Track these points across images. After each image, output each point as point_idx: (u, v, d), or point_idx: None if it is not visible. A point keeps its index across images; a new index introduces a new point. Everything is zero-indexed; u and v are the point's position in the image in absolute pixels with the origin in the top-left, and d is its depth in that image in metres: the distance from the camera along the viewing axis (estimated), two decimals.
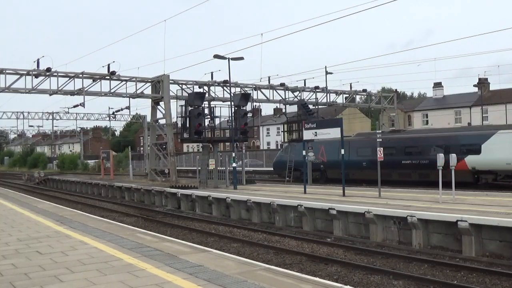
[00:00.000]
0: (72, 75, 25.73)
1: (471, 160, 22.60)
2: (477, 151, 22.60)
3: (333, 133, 18.29)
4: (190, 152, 70.61)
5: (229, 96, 27.08)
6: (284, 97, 32.62)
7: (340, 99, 36.67)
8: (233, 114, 24.50)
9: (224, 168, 25.83)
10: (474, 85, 52.07)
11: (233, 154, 23.97)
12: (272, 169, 35.86)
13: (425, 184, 22.27)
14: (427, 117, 59.53)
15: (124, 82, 27.16)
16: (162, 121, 29.00)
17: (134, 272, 6.83)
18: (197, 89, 28.24)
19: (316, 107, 30.97)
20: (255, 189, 22.82)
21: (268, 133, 77.24)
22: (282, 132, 33.50)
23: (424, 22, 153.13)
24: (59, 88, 25.70)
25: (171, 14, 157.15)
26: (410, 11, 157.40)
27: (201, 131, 24.00)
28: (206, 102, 26.67)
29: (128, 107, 32.72)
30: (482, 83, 53.48)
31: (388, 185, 21.23)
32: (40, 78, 25.19)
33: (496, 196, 16.02)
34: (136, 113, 68.99)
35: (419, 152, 24.91)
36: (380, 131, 18.10)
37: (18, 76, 24.62)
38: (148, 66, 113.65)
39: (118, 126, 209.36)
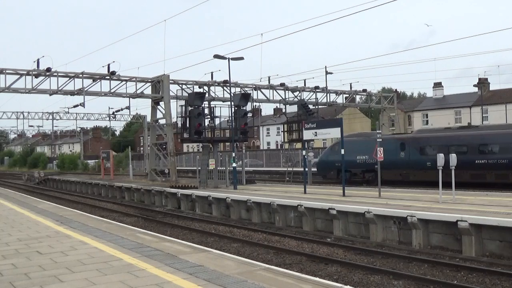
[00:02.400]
0: (72, 75, 25.73)
1: None
2: None
3: (333, 133, 18.27)
4: (190, 152, 70.61)
5: (229, 96, 27.08)
6: (284, 97, 32.61)
7: (340, 99, 36.69)
8: (233, 114, 24.50)
9: (224, 168, 25.83)
10: (474, 85, 52.12)
11: (233, 154, 23.97)
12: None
13: (502, 187, 20.51)
14: (427, 117, 59.53)
15: (124, 82, 27.16)
16: (162, 121, 29.00)
17: (134, 272, 6.84)
18: (197, 89, 28.23)
19: (316, 107, 30.94)
20: (255, 189, 22.82)
21: (268, 133, 77.24)
22: (282, 132, 33.38)
23: (428, 22, 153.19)
24: (59, 88, 25.69)
25: (171, 14, 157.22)
26: (413, 12, 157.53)
27: (201, 131, 24.00)
28: (206, 102, 26.66)
29: (128, 107, 32.67)
30: (482, 83, 53.51)
31: (461, 188, 18.96)
32: (40, 78, 25.19)
33: (496, 196, 16.02)
34: (136, 113, 69.03)
35: (497, 150, 22.36)
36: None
37: (18, 76, 24.61)
38: (148, 66, 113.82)
39: (118, 126, 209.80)
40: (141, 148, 79.39)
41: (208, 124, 24.90)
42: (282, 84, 32.62)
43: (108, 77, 26.38)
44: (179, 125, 25.20)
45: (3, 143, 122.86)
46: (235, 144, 25.11)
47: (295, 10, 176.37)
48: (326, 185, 26.03)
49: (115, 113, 53.01)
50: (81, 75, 25.82)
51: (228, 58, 23.45)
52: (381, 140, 17.09)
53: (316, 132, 18.97)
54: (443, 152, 17.56)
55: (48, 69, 24.87)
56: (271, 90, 32.33)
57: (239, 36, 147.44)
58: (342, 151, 18.61)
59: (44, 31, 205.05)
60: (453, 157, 14.67)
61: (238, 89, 29.73)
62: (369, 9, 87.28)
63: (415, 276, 9.49)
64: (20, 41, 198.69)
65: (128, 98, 28.80)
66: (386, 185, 21.87)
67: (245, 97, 25.71)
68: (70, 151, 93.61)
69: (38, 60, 24.71)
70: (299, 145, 31.38)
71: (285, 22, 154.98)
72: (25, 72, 24.65)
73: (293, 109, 31.79)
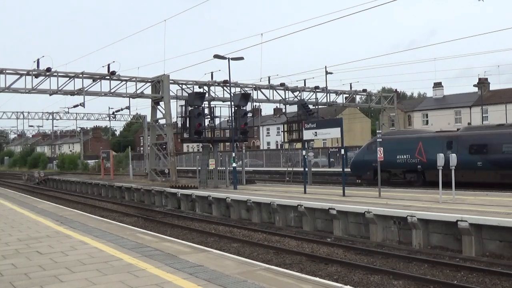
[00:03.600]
0: (72, 75, 25.73)
1: None
2: None
3: (333, 133, 18.28)
4: (190, 152, 70.62)
5: (229, 96, 27.08)
6: (284, 97, 32.61)
7: (340, 99, 36.69)
8: (233, 114, 24.50)
9: (224, 168, 25.83)
10: (474, 85, 52.13)
11: (233, 154, 23.97)
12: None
13: None
14: (427, 117, 59.55)
15: (124, 82, 27.15)
16: (162, 121, 28.99)
17: (134, 272, 6.84)
18: (197, 89, 28.22)
19: (316, 107, 30.93)
20: (255, 189, 22.82)
21: (268, 133, 77.26)
22: (282, 132, 33.34)
23: (429, 22, 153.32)
24: (59, 88, 25.69)
25: (171, 14, 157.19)
26: (414, 12, 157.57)
27: (201, 131, 24.00)
28: (206, 102, 26.66)
29: (128, 107, 32.64)
30: (482, 83, 53.52)
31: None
32: (40, 78, 25.18)
33: (496, 196, 16.01)
34: (136, 113, 69.12)
35: None
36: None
37: (18, 76, 24.61)
38: (148, 66, 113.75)
39: (118, 126, 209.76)
40: (141, 148, 79.39)
41: (208, 124, 24.89)
42: (282, 84, 32.62)
43: (108, 77, 26.38)
44: (179, 125, 25.19)
45: (3, 143, 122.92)
46: (235, 144, 25.11)
47: (295, 10, 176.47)
48: (326, 185, 26.04)
49: (115, 113, 53.03)
50: (81, 75, 25.82)
51: (228, 58, 23.45)
52: (381, 140, 17.07)
53: (316, 132, 18.97)
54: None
55: (48, 69, 24.86)
56: (271, 90, 32.33)
57: (239, 36, 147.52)
58: (342, 151, 18.57)
59: (44, 31, 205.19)
60: (453, 157, 14.65)
61: (238, 89, 29.73)
62: (369, 9, 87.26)
63: (415, 276, 9.49)
64: (20, 41, 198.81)
65: (128, 98, 28.81)
66: (429, 187, 20.63)
67: (245, 97, 25.71)
68: (70, 151, 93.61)
69: (38, 60, 24.71)
70: (299, 145, 31.34)
71: (285, 22, 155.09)
72: (25, 72, 24.65)
73: (293, 109, 31.79)
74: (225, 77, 27.23)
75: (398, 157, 24.36)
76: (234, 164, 23.90)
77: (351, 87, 36.95)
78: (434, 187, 19.16)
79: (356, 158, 27.65)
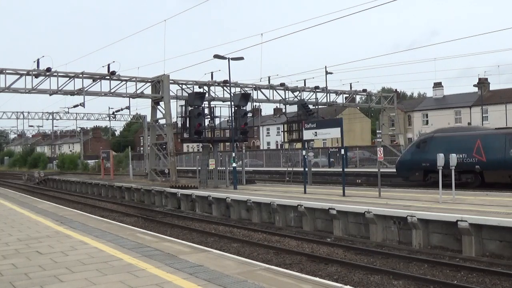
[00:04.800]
0: (72, 75, 25.71)
1: None
2: None
3: (333, 133, 18.27)
4: (190, 152, 70.62)
5: (229, 96, 27.06)
6: (284, 97, 32.59)
7: (340, 99, 36.64)
8: (233, 114, 24.50)
9: (224, 168, 25.82)
10: (474, 85, 52.17)
11: (233, 154, 23.97)
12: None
13: None
14: (427, 117, 59.57)
15: (124, 82, 27.13)
16: (162, 121, 28.97)
17: (134, 272, 6.84)
18: (197, 89, 28.20)
19: (316, 107, 30.93)
20: (255, 189, 22.82)
21: (268, 133, 77.26)
22: (282, 132, 33.32)
23: (430, 23, 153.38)
24: (59, 88, 25.67)
25: (171, 14, 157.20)
26: (415, 12, 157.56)
27: (201, 131, 23.99)
28: (206, 102, 26.65)
29: (128, 107, 32.61)
30: (482, 83, 53.56)
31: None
32: (40, 78, 25.16)
33: (496, 196, 16.01)
34: (136, 113, 69.05)
35: None
36: None
37: (18, 76, 24.59)
38: (148, 66, 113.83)
39: (118, 126, 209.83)
40: (141, 148, 79.37)
41: (208, 124, 24.89)
42: (282, 84, 32.60)
43: (108, 77, 26.35)
44: (179, 125, 25.19)
45: (3, 143, 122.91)
46: (235, 144, 25.11)
47: (295, 10, 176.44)
48: (326, 185, 26.01)
49: (115, 113, 53.00)
50: (81, 75, 25.80)
51: (228, 58, 23.44)
52: (381, 140, 17.00)
53: (316, 132, 18.96)
54: None
55: (48, 69, 24.85)
56: (271, 90, 32.31)
57: (239, 36, 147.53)
58: (342, 151, 18.56)
59: (44, 31, 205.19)
60: (453, 157, 14.64)
61: (238, 89, 29.70)
62: (369, 9, 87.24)
63: (415, 276, 9.49)
64: (20, 41, 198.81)
65: (128, 98, 28.78)
66: (490, 189, 19.44)
67: (245, 97, 25.70)
68: (70, 151, 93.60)
69: (38, 60, 24.68)
70: (299, 145, 31.34)
71: (285, 22, 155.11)
72: (25, 72, 24.63)
73: (293, 109, 31.78)
74: (225, 77, 27.24)
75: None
76: (234, 164, 23.90)
77: (351, 87, 36.93)
78: (494, 189, 18.31)
79: (403, 157, 25.51)
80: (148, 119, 32.73)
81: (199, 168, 25.70)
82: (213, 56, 23.11)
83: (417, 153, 23.70)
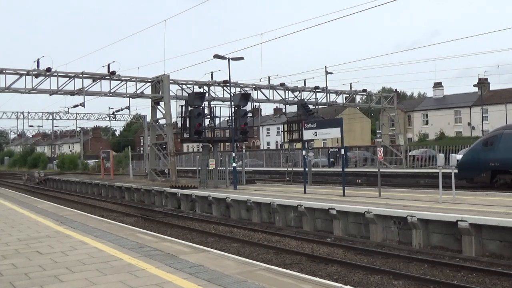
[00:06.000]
0: (72, 75, 25.71)
1: None
2: None
3: (333, 133, 18.27)
4: (190, 152, 70.62)
5: (229, 96, 27.06)
6: (284, 97, 32.58)
7: (340, 99, 36.62)
8: (233, 114, 24.50)
9: (224, 168, 25.82)
10: (474, 85, 52.17)
11: (233, 154, 23.97)
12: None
13: None
14: (427, 117, 59.59)
15: (124, 82, 27.12)
16: (162, 121, 28.97)
17: (134, 272, 6.84)
18: (197, 89, 28.19)
19: (316, 107, 30.93)
20: (255, 189, 22.82)
21: (268, 133, 77.27)
22: (282, 132, 33.31)
23: (431, 23, 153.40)
24: (59, 88, 25.67)
25: (171, 14, 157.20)
26: (416, 12, 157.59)
27: (201, 131, 23.99)
28: (206, 102, 26.65)
29: (128, 107, 32.61)
30: (482, 83, 53.56)
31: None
32: (40, 78, 25.15)
33: (496, 196, 16.01)
34: (136, 113, 69.10)
35: None
36: None
37: (18, 76, 24.59)
38: (148, 66, 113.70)
39: (118, 126, 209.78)
40: (141, 148, 79.36)
41: (208, 124, 24.89)
42: (282, 84, 32.59)
43: (108, 77, 26.35)
44: (179, 125, 25.19)
45: (3, 143, 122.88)
46: (235, 144, 25.10)
47: (295, 10, 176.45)
48: (326, 185, 26.02)
49: (115, 113, 53.06)
50: (81, 75, 25.80)
51: (228, 58, 23.44)
52: (381, 140, 17.00)
53: (316, 132, 18.96)
54: None
55: (48, 69, 24.84)
56: (271, 90, 32.30)
57: (239, 36, 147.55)
58: (342, 151, 18.55)
59: (44, 31, 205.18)
60: (452, 157, 14.64)
61: (238, 89, 29.70)
62: (370, 9, 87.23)
63: (415, 276, 9.49)
64: (20, 41, 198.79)
65: (128, 98, 28.77)
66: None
67: (245, 97, 25.70)
68: (70, 151, 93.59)
69: (38, 60, 24.67)
70: (299, 145, 31.33)
71: (285, 22, 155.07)
72: (25, 72, 24.63)
73: (293, 109, 31.77)
74: (225, 77, 27.24)
75: None
76: (234, 164, 23.89)
77: (351, 87, 36.92)
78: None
79: (466, 157, 22.27)
80: (148, 119, 32.73)
81: (199, 168, 25.69)
82: (213, 56, 23.12)
83: (484, 152, 21.09)
